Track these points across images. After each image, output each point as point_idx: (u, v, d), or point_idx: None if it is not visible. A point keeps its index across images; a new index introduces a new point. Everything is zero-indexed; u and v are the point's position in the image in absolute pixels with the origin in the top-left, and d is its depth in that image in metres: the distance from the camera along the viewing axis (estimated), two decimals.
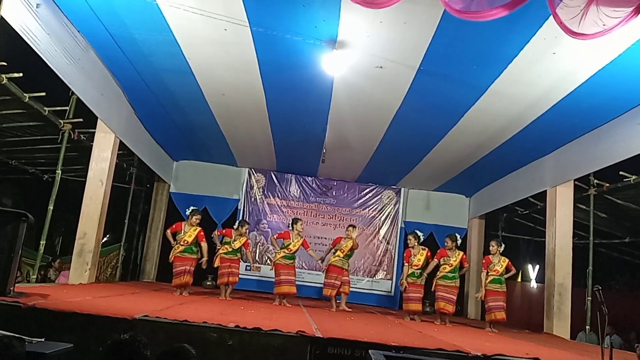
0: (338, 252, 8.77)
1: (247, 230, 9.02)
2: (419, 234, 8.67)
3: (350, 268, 10.81)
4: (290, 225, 9.05)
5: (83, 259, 7.89)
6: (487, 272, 8.17)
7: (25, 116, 7.79)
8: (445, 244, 8.49)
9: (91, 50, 6.97)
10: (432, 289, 8.39)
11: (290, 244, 8.61)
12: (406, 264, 8.52)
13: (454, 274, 8.26)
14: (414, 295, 8.38)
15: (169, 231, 8.69)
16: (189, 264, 8.33)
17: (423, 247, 8.55)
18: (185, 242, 8.35)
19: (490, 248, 8.40)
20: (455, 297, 8.25)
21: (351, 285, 9.41)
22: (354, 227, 9.02)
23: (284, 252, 8.58)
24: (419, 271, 8.38)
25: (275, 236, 9.19)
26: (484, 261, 8.45)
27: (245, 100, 8.19)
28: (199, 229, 8.49)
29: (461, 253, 8.41)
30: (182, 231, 8.46)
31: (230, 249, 8.58)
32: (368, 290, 12.30)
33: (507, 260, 8.22)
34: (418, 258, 8.46)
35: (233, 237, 8.67)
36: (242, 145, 10.91)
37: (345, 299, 8.95)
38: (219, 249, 8.70)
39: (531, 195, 9.81)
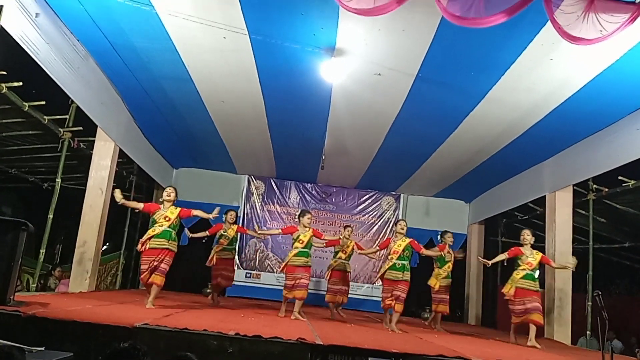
0: (340, 254, 8.66)
1: (235, 217, 8.90)
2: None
3: (350, 275, 10.76)
4: (297, 218, 8.01)
5: (83, 267, 7.89)
6: (517, 263, 7.22)
7: (25, 125, 7.80)
8: (445, 240, 8.56)
9: (90, 58, 7.00)
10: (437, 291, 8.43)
11: (300, 235, 7.48)
12: (379, 249, 8.25)
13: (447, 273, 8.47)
14: (386, 294, 7.40)
15: (141, 205, 7.07)
16: (157, 258, 6.57)
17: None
18: (167, 218, 6.69)
19: (522, 238, 7.44)
20: (449, 297, 8.42)
21: (351, 291, 9.29)
22: (350, 227, 8.96)
23: (296, 247, 7.43)
24: (400, 263, 7.28)
25: (279, 230, 8.55)
26: (512, 249, 7.48)
27: (245, 107, 8.21)
28: (179, 209, 6.90)
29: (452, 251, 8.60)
30: (161, 209, 6.85)
31: (226, 243, 8.47)
32: (368, 297, 12.27)
33: (540, 253, 7.35)
34: (398, 244, 7.42)
35: (223, 229, 8.61)
36: (242, 152, 10.93)
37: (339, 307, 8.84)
38: (213, 248, 8.58)
39: (530, 200, 9.82)
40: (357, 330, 6.66)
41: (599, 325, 4.44)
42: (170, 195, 6.92)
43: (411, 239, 7.49)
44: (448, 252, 8.54)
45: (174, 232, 6.78)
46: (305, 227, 7.55)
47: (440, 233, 9.01)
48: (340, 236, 8.79)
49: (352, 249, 8.73)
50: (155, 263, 6.54)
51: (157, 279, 6.57)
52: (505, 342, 7.26)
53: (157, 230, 6.65)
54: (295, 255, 7.39)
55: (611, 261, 11.21)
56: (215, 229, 8.68)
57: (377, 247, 8.02)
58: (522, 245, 7.39)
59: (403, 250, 7.32)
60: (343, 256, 8.65)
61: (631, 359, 7.26)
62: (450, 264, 8.48)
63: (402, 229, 7.58)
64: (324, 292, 9.05)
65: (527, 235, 7.37)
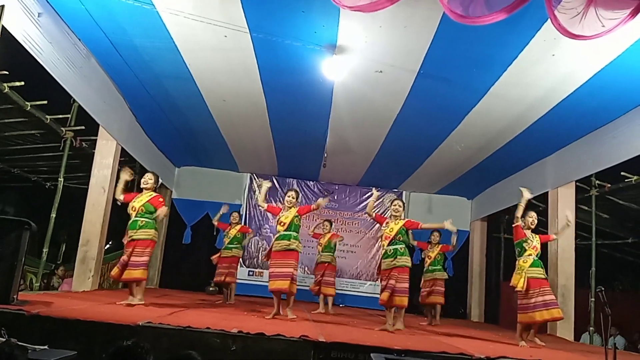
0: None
1: (237, 218, 9.21)
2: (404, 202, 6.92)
3: (353, 272, 10.75)
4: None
5: (86, 266, 7.90)
6: (522, 248, 6.30)
7: (27, 124, 7.82)
8: (432, 238, 8.80)
9: (92, 58, 7.01)
10: (421, 285, 8.65)
11: (280, 217, 6.50)
12: (375, 218, 6.93)
13: (441, 266, 8.73)
14: (382, 285, 6.40)
15: (122, 197, 6.55)
16: (132, 251, 6.25)
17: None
18: (133, 208, 6.36)
19: (526, 219, 6.44)
20: (444, 289, 8.55)
21: (354, 289, 9.45)
22: (328, 221, 9.45)
23: (278, 231, 6.52)
24: (391, 248, 6.31)
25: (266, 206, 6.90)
26: (514, 229, 6.50)
27: (246, 105, 8.21)
28: (153, 194, 6.49)
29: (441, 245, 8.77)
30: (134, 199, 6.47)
31: (227, 242, 8.77)
32: (371, 294, 12.25)
33: (538, 235, 6.48)
34: (390, 228, 6.38)
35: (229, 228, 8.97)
36: (244, 150, 10.93)
37: (332, 301, 8.98)
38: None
39: (533, 197, 9.79)
40: (360, 328, 6.66)
41: (602, 321, 4.43)
42: (147, 183, 6.51)
43: (406, 219, 6.50)
44: (430, 248, 8.80)
45: (144, 217, 6.34)
46: (288, 207, 6.54)
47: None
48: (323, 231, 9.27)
49: (335, 242, 9.22)
50: (127, 258, 6.26)
51: (138, 275, 6.33)
52: (506, 337, 7.20)
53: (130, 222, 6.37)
54: (276, 239, 6.45)
55: (614, 257, 11.19)
56: (222, 225, 9.12)
57: (374, 215, 6.85)
58: (524, 227, 6.44)
59: (396, 234, 6.32)
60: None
61: (634, 355, 7.25)
62: (427, 259, 8.74)
63: (397, 210, 6.49)
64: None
65: (529, 218, 6.42)
